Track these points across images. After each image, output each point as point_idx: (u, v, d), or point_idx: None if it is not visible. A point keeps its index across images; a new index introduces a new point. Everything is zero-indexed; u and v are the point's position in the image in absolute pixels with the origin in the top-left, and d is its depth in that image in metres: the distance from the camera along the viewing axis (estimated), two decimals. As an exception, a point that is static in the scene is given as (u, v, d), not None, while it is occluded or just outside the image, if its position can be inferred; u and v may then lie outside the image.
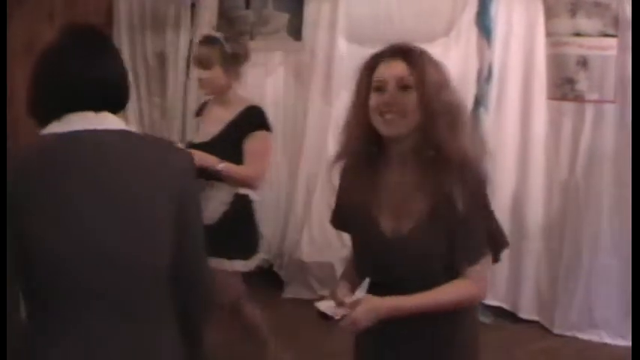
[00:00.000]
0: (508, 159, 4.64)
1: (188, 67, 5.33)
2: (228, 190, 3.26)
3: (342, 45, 5.02)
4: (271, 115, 5.14)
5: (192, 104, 5.02)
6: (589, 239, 4.43)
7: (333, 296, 1.97)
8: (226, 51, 3.29)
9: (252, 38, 5.17)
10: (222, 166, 3.17)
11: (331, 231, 2.92)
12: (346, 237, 2.22)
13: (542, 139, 4.62)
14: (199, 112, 3.54)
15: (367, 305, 1.88)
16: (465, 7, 4.74)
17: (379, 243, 1.96)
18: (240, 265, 3.29)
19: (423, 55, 1.94)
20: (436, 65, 1.95)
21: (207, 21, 5.15)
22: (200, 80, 3.38)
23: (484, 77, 4.64)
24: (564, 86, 4.47)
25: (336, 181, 2.09)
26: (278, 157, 5.30)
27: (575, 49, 4.38)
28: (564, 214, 4.54)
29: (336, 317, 1.89)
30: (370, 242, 2.00)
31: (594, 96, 4.39)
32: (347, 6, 5.02)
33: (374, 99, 1.92)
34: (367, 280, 1.94)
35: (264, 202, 5.06)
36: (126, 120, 5.71)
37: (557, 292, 4.53)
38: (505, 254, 2.08)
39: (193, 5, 5.43)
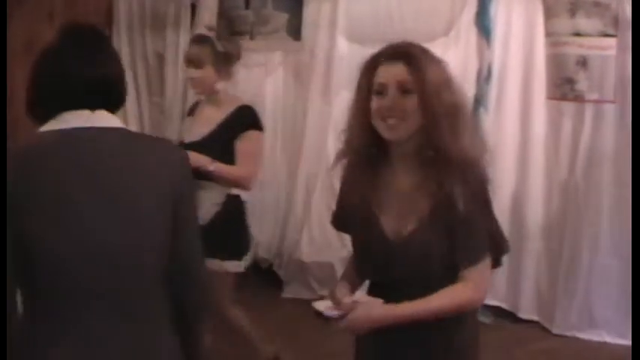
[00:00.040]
0: (508, 159, 4.64)
1: (188, 67, 5.33)
2: (220, 191, 3.23)
3: (342, 45, 5.02)
4: (271, 115, 5.19)
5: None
6: (589, 239, 4.44)
7: (331, 296, 1.98)
8: (218, 50, 3.25)
9: (252, 38, 5.18)
10: (214, 166, 3.14)
11: (331, 231, 2.92)
12: (346, 237, 2.21)
13: (541, 139, 4.62)
14: (191, 111, 3.51)
15: (363, 312, 1.88)
16: (465, 7, 4.74)
17: (380, 244, 1.95)
18: (231, 266, 3.27)
19: (423, 55, 1.92)
20: (437, 65, 1.92)
21: (207, 21, 5.14)
22: (191, 80, 3.34)
23: (484, 77, 4.64)
24: (564, 86, 4.47)
25: (336, 182, 2.08)
26: (277, 157, 5.31)
27: (574, 49, 4.38)
28: (564, 214, 4.54)
29: (333, 317, 1.89)
30: (371, 243, 1.99)
31: (594, 96, 4.39)
32: (346, 6, 5.02)
33: (375, 103, 1.90)
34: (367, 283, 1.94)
35: (264, 203, 5.09)
36: (125, 120, 5.71)
37: (556, 292, 4.52)
38: (505, 254, 2.08)
39: (193, 5, 5.43)
